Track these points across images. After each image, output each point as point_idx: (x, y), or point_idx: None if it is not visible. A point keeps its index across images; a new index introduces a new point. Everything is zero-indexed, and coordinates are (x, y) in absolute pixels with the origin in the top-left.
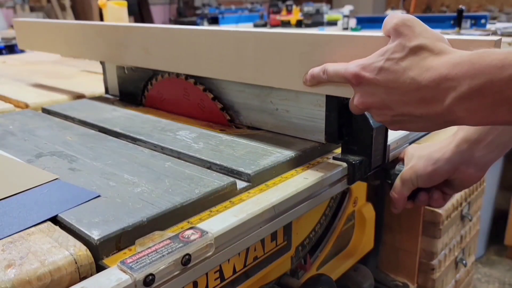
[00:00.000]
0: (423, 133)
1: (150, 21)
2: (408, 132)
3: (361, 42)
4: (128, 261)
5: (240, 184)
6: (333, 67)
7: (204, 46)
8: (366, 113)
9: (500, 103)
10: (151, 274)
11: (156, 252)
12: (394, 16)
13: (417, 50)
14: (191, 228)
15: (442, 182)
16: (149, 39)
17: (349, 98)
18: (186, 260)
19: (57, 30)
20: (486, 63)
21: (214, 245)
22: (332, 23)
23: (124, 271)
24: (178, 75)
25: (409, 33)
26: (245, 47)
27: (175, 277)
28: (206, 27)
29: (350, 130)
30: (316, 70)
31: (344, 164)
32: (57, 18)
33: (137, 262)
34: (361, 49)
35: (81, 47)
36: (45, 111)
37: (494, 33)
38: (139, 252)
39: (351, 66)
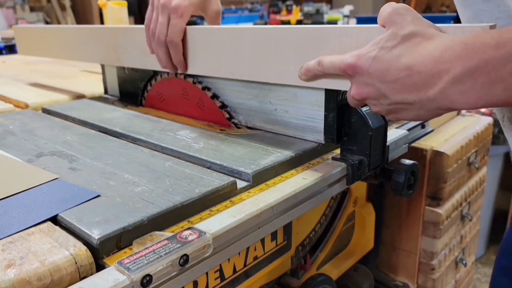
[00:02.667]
0: (424, 133)
1: None
2: (407, 132)
3: (355, 33)
4: (126, 261)
5: (240, 183)
6: (328, 59)
7: (200, 45)
8: (364, 113)
9: (495, 82)
10: (148, 275)
11: (154, 253)
12: (387, 6)
13: (409, 37)
14: (189, 228)
15: None
16: (144, 39)
17: (347, 99)
18: (183, 261)
19: (56, 35)
20: (480, 42)
21: (212, 245)
22: (332, 23)
23: (121, 272)
24: (176, 74)
25: (402, 21)
26: (241, 44)
27: (172, 277)
28: (201, 26)
29: (349, 130)
30: (311, 63)
31: (343, 164)
32: (57, 18)
33: (134, 263)
34: (355, 41)
35: (80, 51)
36: (45, 111)
37: None
38: (136, 253)
39: (347, 57)
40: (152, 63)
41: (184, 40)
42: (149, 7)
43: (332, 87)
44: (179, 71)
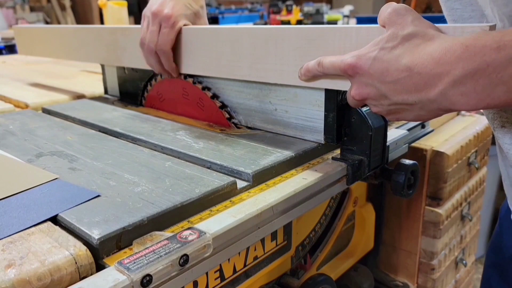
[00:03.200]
0: (424, 133)
1: None
2: (407, 132)
3: (355, 33)
4: (126, 261)
5: (241, 183)
6: (328, 59)
7: (199, 45)
8: (364, 113)
9: (496, 84)
10: (148, 275)
11: (154, 253)
12: (388, 6)
13: (409, 38)
14: (189, 228)
15: None
16: None
17: (347, 99)
18: (183, 261)
19: (55, 35)
20: (481, 44)
21: (212, 245)
22: (332, 23)
23: (121, 272)
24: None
25: (402, 22)
26: (240, 44)
27: (172, 277)
28: (201, 26)
29: (349, 130)
30: (311, 63)
31: (343, 165)
32: (57, 18)
33: (134, 263)
34: (355, 41)
35: (80, 51)
36: (45, 111)
37: None
38: (136, 253)
39: (347, 57)
40: None
41: (181, 42)
42: (141, 21)
43: (332, 87)
44: (173, 75)
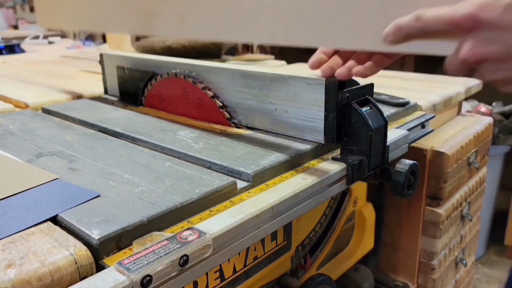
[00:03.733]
0: (424, 133)
1: None
2: (407, 132)
3: None
4: (125, 262)
5: (241, 184)
6: (432, 12)
7: (250, 5)
8: (364, 113)
9: None
10: (148, 275)
11: (154, 253)
12: None
13: None
14: (189, 228)
15: None
16: (184, 4)
17: (350, 99)
18: (183, 261)
19: (79, 2)
20: None
21: (212, 246)
22: None
23: (121, 272)
24: (176, 74)
25: None
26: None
27: (172, 278)
28: None
29: (349, 130)
30: (404, 19)
31: (343, 165)
32: None
33: (134, 263)
34: None
35: (107, 19)
36: (45, 111)
37: None
38: (136, 253)
39: (463, 7)
40: (189, 31)
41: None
42: None
43: (427, 52)
44: None
